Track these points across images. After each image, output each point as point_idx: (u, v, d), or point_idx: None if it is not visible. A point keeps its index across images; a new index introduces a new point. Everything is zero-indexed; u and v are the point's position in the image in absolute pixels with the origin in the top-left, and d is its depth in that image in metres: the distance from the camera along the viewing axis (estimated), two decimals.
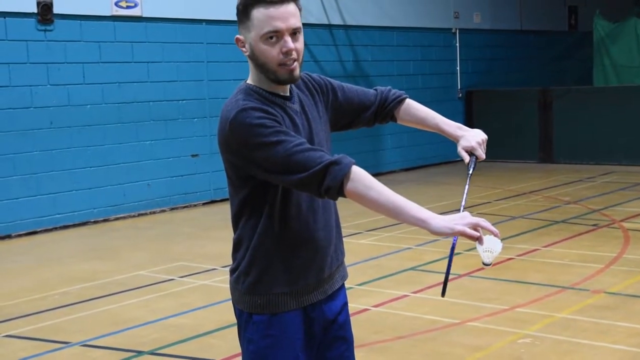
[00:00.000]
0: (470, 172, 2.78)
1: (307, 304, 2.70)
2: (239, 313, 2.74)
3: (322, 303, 2.75)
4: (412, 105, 2.98)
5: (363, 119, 2.97)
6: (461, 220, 2.42)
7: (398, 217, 2.45)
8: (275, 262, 2.64)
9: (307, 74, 2.83)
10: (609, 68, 16.66)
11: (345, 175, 2.43)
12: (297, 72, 2.59)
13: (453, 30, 15.91)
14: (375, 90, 3.00)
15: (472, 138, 2.82)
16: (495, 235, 2.46)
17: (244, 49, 2.62)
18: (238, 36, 2.62)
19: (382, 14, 14.24)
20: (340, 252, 2.84)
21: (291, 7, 2.55)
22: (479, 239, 2.43)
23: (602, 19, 16.79)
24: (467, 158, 2.81)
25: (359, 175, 2.46)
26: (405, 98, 2.98)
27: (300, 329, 2.70)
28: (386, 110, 2.97)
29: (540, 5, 18.08)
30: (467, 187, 2.70)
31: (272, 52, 2.55)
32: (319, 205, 2.69)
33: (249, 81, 2.67)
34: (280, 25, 2.52)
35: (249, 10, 2.54)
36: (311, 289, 2.70)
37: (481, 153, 2.81)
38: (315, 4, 13.02)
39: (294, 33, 2.56)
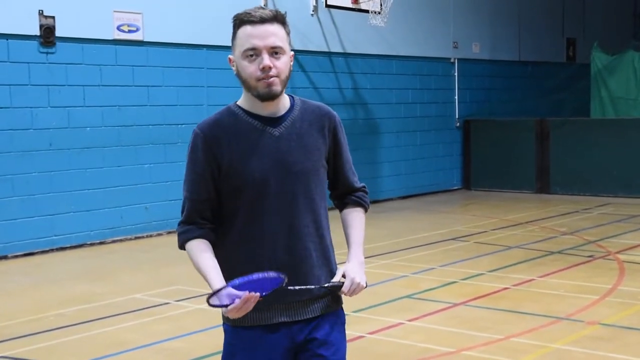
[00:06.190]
0: (327, 284, 2.81)
1: (267, 322, 2.76)
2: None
3: (292, 324, 2.79)
4: (350, 216, 3.00)
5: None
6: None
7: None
8: (235, 276, 2.68)
9: (333, 113, 2.91)
10: (606, 100, 16.76)
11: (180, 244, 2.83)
12: (275, 87, 2.70)
13: (452, 60, 16.02)
14: (354, 183, 3.01)
15: (352, 271, 2.84)
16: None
17: (233, 68, 2.78)
18: (230, 56, 2.79)
19: (381, 43, 14.34)
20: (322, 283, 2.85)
21: (272, 27, 2.68)
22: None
23: (600, 51, 16.92)
24: (339, 277, 2.84)
25: (188, 250, 2.78)
26: (352, 204, 3.00)
27: (261, 345, 2.76)
28: (335, 203, 3.06)
29: (539, 37, 18.22)
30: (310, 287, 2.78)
31: (250, 69, 2.69)
32: (285, 229, 2.75)
33: (238, 101, 2.83)
34: (258, 43, 2.67)
35: (236, 30, 2.72)
36: (272, 310, 2.76)
37: (348, 284, 2.81)
38: (315, 31, 13.11)
39: (275, 52, 2.68)
